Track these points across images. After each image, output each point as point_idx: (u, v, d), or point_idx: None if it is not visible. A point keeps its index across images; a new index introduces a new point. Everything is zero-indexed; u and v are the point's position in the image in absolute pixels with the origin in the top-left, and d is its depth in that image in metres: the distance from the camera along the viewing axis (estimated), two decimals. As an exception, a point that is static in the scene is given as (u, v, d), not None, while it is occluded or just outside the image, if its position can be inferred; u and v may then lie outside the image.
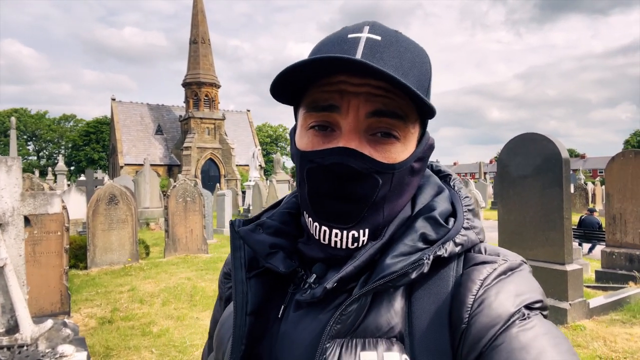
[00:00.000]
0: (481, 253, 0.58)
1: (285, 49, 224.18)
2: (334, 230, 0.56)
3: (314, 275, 0.59)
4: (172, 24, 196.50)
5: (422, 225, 0.57)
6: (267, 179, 15.28)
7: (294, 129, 0.63)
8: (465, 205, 0.61)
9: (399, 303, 0.54)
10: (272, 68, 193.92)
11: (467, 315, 0.52)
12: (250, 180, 17.08)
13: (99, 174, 18.13)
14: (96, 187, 9.05)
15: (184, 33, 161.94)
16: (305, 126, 0.57)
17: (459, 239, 0.56)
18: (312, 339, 0.54)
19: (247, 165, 23.54)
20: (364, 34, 0.54)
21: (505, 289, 0.53)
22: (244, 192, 21.49)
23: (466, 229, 0.57)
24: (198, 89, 36.18)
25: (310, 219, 0.59)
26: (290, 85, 0.55)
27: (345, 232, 0.56)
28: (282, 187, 12.54)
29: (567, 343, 0.49)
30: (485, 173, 32.07)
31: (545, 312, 0.54)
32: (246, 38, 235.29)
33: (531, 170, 4.75)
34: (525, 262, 0.59)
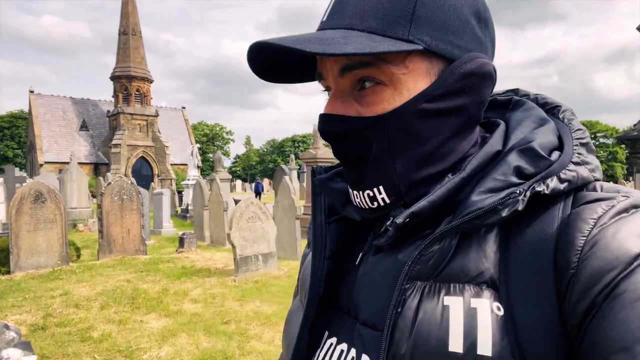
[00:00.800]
0: (596, 191, 0.49)
1: (221, 47, 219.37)
2: (353, 192, 0.56)
3: (392, 218, 0.54)
4: (98, 15, 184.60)
5: (515, 158, 0.49)
6: (206, 178, 14.85)
7: None
8: (577, 139, 0.52)
9: (491, 247, 0.48)
10: (208, 66, 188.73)
11: (577, 259, 0.43)
12: (189, 179, 16.51)
13: (18, 172, 16.55)
14: (18, 185, 8.25)
15: (110, 25, 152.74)
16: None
17: (565, 174, 0.47)
18: (392, 281, 0.51)
19: (183, 165, 22.73)
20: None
21: (627, 227, 0.43)
22: (180, 192, 20.73)
23: (576, 164, 0.49)
24: (128, 83, 34.25)
25: None
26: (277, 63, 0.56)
27: (360, 193, 0.55)
28: (225, 186, 12.24)
29: None
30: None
31: None
32: (180, 33, 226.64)
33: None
34: None
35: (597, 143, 61.45)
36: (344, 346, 0.55)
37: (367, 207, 0.55)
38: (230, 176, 16.23)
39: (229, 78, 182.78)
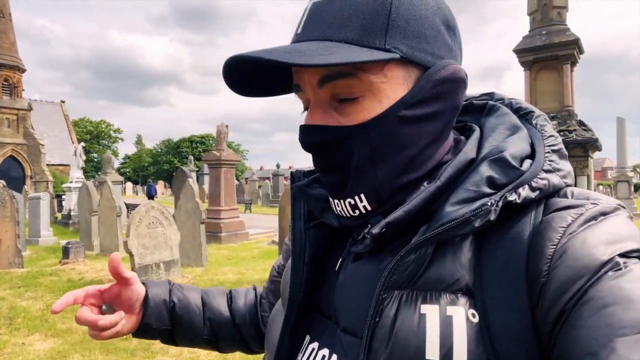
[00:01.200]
0: (567, 197, 0.50)
1: (107, 37, 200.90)
2: (334, 200, 0.57)
3: (370, 226, 0.55)
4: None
5: (488, 169, 0.50)
6: (91, 180, 13.51)
7: None
8: (549, 145, 0.53)
9: (466, 254, 0.49)
10: (92, 57, 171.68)
11: (547, 268, 0.44)
12: (72, 182, 14.84)
13: None
14: None
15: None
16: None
17: (537, 182, 0.48)
18: (370, 289, 0.51)
19: (63, 165, 20.38)
20: (311, 0, 0.54)
21: (594, 235, 0.44)
22: (59, 196, 18.57)
23: (547, 171, 0.50)
24: (-5, 71, 29.75)
25: None
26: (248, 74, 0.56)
27: (342, 201, 0.56)
28: (117, 189, 11.24)
29: None
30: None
31: None
32: (56, 19, 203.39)
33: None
34: (622, 207, 0.49)
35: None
36: (325, 351, 0.56)
37: (348, 215, 0.56)
38: (122, 178, 14.97)
39: (116, 71, 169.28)
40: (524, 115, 0.59)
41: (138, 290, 0.79)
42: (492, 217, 0.47)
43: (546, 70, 6.53)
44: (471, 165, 0.53)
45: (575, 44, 6.31)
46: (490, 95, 0.65)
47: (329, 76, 0.51)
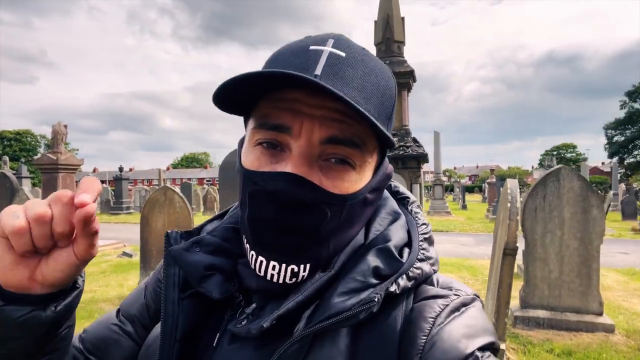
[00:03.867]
0: (433, 285, 0.56)
1: None
2: (272, 263, 0.52)
3: (253, 305, 0.55)
4: None
5: (374, 259, 0.53)
6: None
7: (242, 141, 0.58)
8: (422, 234, 0.58)
9: (343, 340, 0.50)
10: None
11: (418, 358, 0.48)
12: None
13: None
14: None
15: None
16: (252, 142, 0.52)
17: (412, 272, 0.53)
18: None
19: None
20: (327, 48, 0.50)
21: (458, 330, 0.50)
22: None
23: (421, 260, 0.55)
24: None
25: (248, 245, 0.54)
26: (237, 95, 0.50)
27: (284, 266, 0.52)
28: None
29: None
30: (164, 180, 32.54)
31: (496, 352, 0.51)
32: None
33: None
34: (477, 296, 0.56)
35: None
36: None
37: (280, 281, 0.53)
38: None
39: None
40: (401, 200, 0.64)
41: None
42: (375, 308, 0.49)
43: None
44: (360, 249, 0.55)
45: (411, 74, 7.65)
46: None
47: (339, 139, 0.49)
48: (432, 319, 0.50)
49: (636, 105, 40.31)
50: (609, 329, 4.20)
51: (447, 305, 0.52)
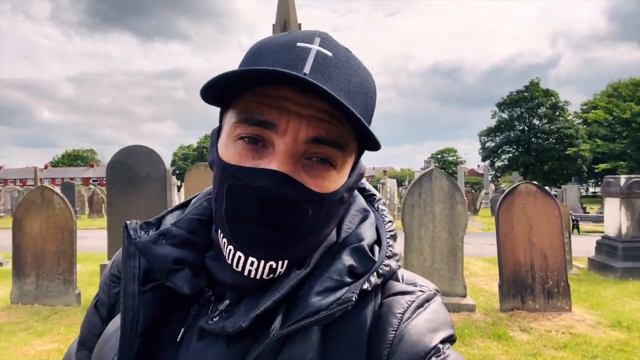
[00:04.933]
0: (399, 281, 0.58)
1: None
2: (250, 259, 0.51)
3: (227, 302, 0.54)
4: None
5: (349, 258, 0.54)
6: None
7: (217, 131, 0.57)
8: (388, 231, 0.60)
9: (315, 335, 0.51)
10: None
11: (387, 352, 0.51)
12: None
13: None
14: None
15: None
16: (233, 136, 0.51)
17: (382, 269, 0.55)
18: None
19: None
20: (315, 46, 0.49)
21: (423, 325, 0.53)
22: None
23: (389, 257, 0.57)
24: None
25: (224, 239, 0.53)
26: (221, 86, 0.49)
27: (262, 262, 0.51)
28: None
29: None
30: (41, 179, 29.09)
31: (454, 342, 0.55)
32: None
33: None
34: (438, 291, 0.59)
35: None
36: None
37: (257, 277, 0.52)
38: None
39: None
40: (368, 197, 0.66)
41: None
42: (350, 307, 0.50)
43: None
44: (333, 247, 0.57)
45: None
46: None
47: (325, 140, 0.49)
48: (400, 314, 0.53)
49: (504, 115, 46.14)
50: (471, 309, 4.89)
51: (413, 301, 0.55)
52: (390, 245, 0.58)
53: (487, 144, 47.99)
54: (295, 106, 0.48)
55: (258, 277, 0.52)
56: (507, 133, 45.88)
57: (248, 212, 0.50)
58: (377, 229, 0.61)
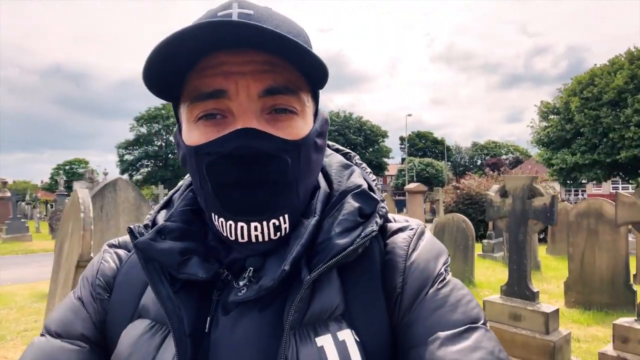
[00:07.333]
0: (391, 221, 0.63)
1: None
2: (252, 224, 0.52)
3: (251, 269, 0.54)
4: None
5: (354, 201, 0.57)
6: None
7: (179, 130, 0.57)
8: (374, 181, 0.64)
9: (335, 282, 0.53)
10: None
11: (402, 280, 0.55)
12: None
13: None
14: None
15: None
16: (192, 119, 0.52)
17: (381, 211, 0.58)
18: (259, 340, 0.50)
19: None
20: (235, 10, 0.50)
21: (427, 252, 0.58)
22: None
23: (382, 201, 0.60)
24: None
25: (221, 219, 0.54)
26: (165, 76, 0.49)
27: (265, 223, 0.52)
28: None
29: (470, 293, 0.56)
30: None
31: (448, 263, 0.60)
32: None
33: None
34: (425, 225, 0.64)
35: None
36: None
37: (266, 239, 0.53)
38: None
39: None
40: (345, 155, 0.69)
41: None
42: (368, 243, 0.55)
43: None
44: (330, 198, 0.59)
45: None
46: None
47: (275, 89, 0.50)
48: (406, 246, 0.58)
49: (142, 130, 46.37)
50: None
51: (414, 234, 0.60)
52: (379, 190, 0.64)
53: (126, 157, 46.95)
54: (236, 67, 0.49)
55: (266, 239, 0.53)
56: (146, 147, 46.38)
57: (233, 178, 0.50)
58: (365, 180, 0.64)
